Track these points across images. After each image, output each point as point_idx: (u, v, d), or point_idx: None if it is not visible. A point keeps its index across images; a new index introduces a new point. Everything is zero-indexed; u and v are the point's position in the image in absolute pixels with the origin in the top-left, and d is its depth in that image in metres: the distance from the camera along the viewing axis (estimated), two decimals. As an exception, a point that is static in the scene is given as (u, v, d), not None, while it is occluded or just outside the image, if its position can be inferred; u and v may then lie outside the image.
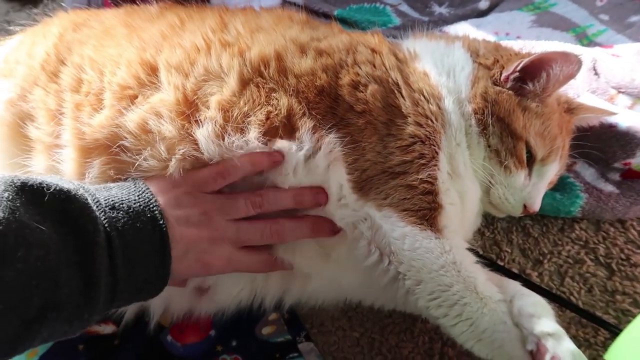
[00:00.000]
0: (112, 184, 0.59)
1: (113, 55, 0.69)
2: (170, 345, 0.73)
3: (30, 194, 0.49)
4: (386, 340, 0.72)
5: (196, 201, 0.61)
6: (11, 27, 0.83)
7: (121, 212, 0.54)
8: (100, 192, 0.56)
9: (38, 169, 0.66)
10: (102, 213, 0.53)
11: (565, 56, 0.69)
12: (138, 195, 0.57)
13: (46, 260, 0.47)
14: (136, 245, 0.54)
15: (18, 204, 0.47)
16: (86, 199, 0.53)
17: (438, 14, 1.18)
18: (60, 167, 0.65)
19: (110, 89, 0.65)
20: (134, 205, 0.56)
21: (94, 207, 0.53)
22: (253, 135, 0.62)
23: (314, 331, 0.74)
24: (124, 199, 0.56)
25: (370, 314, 0.74)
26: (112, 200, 0.55)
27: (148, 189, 0.59)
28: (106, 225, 0.52)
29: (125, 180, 0.62)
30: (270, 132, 0.63)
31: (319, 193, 0.64)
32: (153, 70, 0.66)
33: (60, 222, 0.50)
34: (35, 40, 0.76)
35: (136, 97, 0.64)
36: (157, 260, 0.56)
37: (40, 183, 0.51)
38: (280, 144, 0.62)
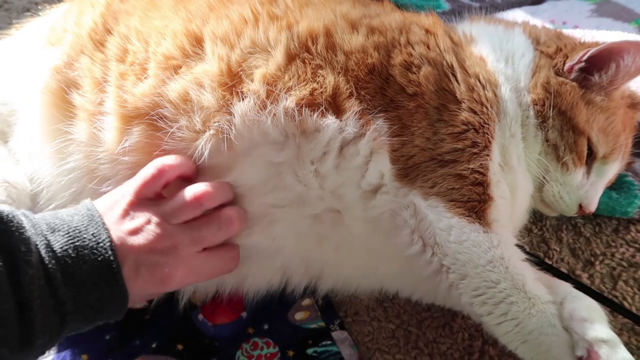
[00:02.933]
0: (62, 210, 0.57)
1: (159, 27, 0.67)
2: (201, 324, 0.72)
3: None
4: (423, 334, 0.69)
5: (140, 210, 0.57)
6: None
7: (61, 232, 0.53)
8: (46, 217, 0.54)
9: (80, 137, 0.65)
10: (40, 236, 0.51)
11: (639, 46, 0.64)
12: (82, 215, 0.55)
13: None
14: (79, 264, 0.51)
15: None
16: (21, 221, 0.51)
17: (490, 0, 1.13)
18: (101, 135, 0.64)
19: (155, 59, 0.64)
20: (76, 224, 0.54)
21: (31, 230, 0.51)
22: (288, 104, 0.59)
23: (348, 320, 0.72)
24: (66, 220, 0.54)
25: (408, 306, 0.72)
26: (54, 224, 0.53)
27: (94, 207, 0.57)
28: (41, 248, 0.51)
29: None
30: (311, 108, 0.60)
31: None
32: (198, 41, 0.64)
33: None
34: (83, 9, 0.75)
35: (180, 67, 0.63)
36: (106, 276, 0.53)
37: None
38: (325, 120, 0.60)
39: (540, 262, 0.72)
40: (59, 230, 0.53)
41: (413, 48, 0.65)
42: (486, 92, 0.64)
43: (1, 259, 0.48)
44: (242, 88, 0.60)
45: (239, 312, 0.73)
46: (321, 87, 0.60)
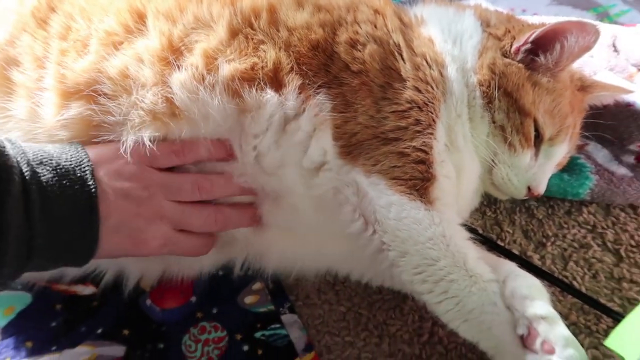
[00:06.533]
0: (49, 145, 0.57)
1: (104, 4, 0.66)
2: (149, 309, 0.70)
3: None
4: (374, 317, 0.68)
5: (140, 175, 0.58)
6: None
7: (48, 167, 0.52)
8: (33, 147, 0.54)
9: (19, 113, 0.63)
10: (26, 165, 0.51)
11: (581, 26, 0.64)
12: (71, 155, 0.55)
13: None
14: (60, 202, 0.51)
15: None
16: (4, 148, 0.51)
17: (453, -11, 1.13)
18: (40, 111, 0.62)
19: (97, 35, 0.63)
20: (64, 164, 0.53)
21: (17, 159, 0.51)
22: (226, 73, 0.58)
23: (298, 303, 0.71)
24: (54, 156, 0.54)
25: (359, 288, 0.71)
26: (42, 156, 0.53)
27: (84, 150, 0.56)
28: (27, 177, 0.50)
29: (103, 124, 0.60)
30: (250, 83, 0.59)
31: None
32: (141, 18, 0.63)
33: None
34: (28, -12, 0.74)
35: (122, 43, 0.62)
36: (84, 221, 0.53)
37: None
38: (264, 95, 0.59)
39: (492, 244, 0.72)
40: (45, 165, 0.52)
41: (359, 26, 0.64)
42: (432, 71, 0.64)
43: None
44: (181, 62, 0.60)
45: (187, 297, 0.71)
46: (262, 62, 0.60)
